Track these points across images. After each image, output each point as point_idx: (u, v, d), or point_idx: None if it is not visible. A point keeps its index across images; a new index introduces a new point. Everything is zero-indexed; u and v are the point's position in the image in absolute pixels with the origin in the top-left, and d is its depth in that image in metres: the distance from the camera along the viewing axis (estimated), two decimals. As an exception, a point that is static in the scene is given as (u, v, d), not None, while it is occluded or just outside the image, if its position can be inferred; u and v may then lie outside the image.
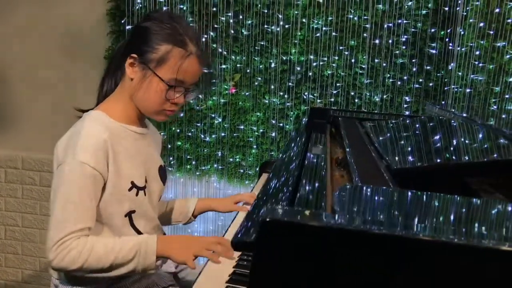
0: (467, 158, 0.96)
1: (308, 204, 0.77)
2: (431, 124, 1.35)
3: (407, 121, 1.43)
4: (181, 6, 2.65)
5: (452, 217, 0.67)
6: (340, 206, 0.64)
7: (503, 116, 2.30)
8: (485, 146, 1.03)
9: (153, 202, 1.37)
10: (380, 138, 1.28)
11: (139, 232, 1.31)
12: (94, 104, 1.39)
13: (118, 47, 1.39)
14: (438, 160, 0.96)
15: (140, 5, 2.68)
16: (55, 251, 1.11)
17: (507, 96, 2.29)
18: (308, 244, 0.54)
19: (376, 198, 0.70)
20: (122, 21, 2.71)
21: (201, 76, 1.33)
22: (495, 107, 2.30)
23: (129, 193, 1.26)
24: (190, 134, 2.79)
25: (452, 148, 1.04)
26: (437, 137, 1.18)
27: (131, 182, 1.26)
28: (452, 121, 1.33)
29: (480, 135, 1.12)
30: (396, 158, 1.02)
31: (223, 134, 2.77)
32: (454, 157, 0.97)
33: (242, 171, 2.80)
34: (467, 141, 1.10)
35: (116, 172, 1.22)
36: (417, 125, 1.36)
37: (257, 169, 2.74)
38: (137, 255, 1.16)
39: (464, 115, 2.39)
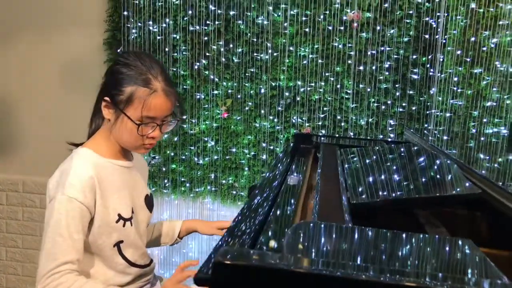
0: (416, 192, 1.05)
1: (272, 240, 0.87)
2: (392, 155, 1.45)
3: (378, 152, 1.53)
4: (174, 36, 2.77)
5: (379, 255, 0.76)
6: (289, 245, 0.73)
7: (482, 139, 2.39)
8: (438, 180, 1.12)
9: (140, 231, 1.47)
10: (350, 169, 1.38)
11: (127, 260, 1.40)
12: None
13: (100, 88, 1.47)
14: (391, 194, 1.06)
15: (136, 35, 2.81)
16: (44, 282, 1.19)
17: (485, 120, 2.39)
18: (257, 285, 0.63)
19: (324, 236, 0.79)
20: (119, 50, 2.83)
21: (176, 106, 1.41)
22: (474, 130, 2.40)
23: (116, 225, 1.35)
24: (184, 157, 2.89)
25: (406, 183, 1.13)
26: (399, 170, 1.28)
27: (118, 215, 1.36)
28: (416, 153, 1.43)
29: (438, 170, 1.21)
30: (357, 191, 1.11)
31: (216, 157, 2.87)
32: (405, 192, 1.07)
33: (234, 192, 2.89)
34: (420, 175, 1.19)
35: (103, 206, 1.32)
36: (386, 157, 1.45)
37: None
38: None
39: (445, 138, 2.49)
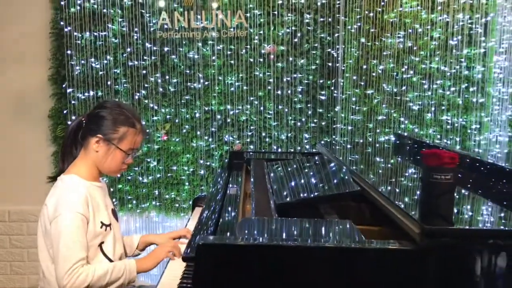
0: (318, 192, 1.54)
1: (227, 231, 1.30)
2: (304, 165, 1.95)
3: (294, 163, 2.02)
4: (116, 71, 3.13)
5: (306, 232, 1.23)
6: (242, 232, 1.17)
7: (377, 145, 3.00)
8: (334, 182, 1.63)
9: (115, 235, 1.84)
10: (274, 178, 1.86)
11: (108, 258, 1.78)
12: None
13: (71, 129, 1.84)
14: (303, 195, 1.53)
15: (79, 71, 3.13)
16: (67, 278, 1.55)
17: (378, 131, 3.00)
18: (229, 259, 1.07)
19: (260, 225, 1.24)
20: (64, 85, 3.14)
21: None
22: (370, 139, 3.00)
23: (100, 230, 1.73)
24: (129, 177, 3.24)
25: (311, 185, 1.63)
26: (308, 177, 1.77)
27: (101, 222, 1.74)
28: (321, 162, 1.94)
29: (334, 174, 1.72)
30: (279, 194, 1.58)
31: (158, 175, 3.25)
32: (311, 193, 1.56)
33: (177, 205, 3.29)
34: (323, 179, 1.70)
35: (92, 216, 1.70)
36: (300, 166, 1.95)
37: (190, 202, 3.26)
38: (125, 272, 1.69)
39: (349, 146, 3.06)
